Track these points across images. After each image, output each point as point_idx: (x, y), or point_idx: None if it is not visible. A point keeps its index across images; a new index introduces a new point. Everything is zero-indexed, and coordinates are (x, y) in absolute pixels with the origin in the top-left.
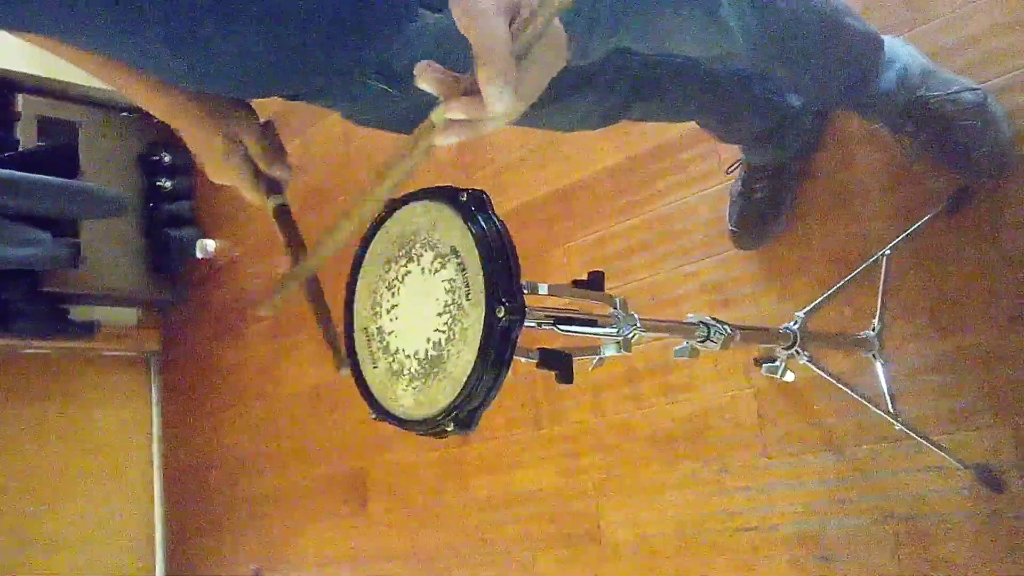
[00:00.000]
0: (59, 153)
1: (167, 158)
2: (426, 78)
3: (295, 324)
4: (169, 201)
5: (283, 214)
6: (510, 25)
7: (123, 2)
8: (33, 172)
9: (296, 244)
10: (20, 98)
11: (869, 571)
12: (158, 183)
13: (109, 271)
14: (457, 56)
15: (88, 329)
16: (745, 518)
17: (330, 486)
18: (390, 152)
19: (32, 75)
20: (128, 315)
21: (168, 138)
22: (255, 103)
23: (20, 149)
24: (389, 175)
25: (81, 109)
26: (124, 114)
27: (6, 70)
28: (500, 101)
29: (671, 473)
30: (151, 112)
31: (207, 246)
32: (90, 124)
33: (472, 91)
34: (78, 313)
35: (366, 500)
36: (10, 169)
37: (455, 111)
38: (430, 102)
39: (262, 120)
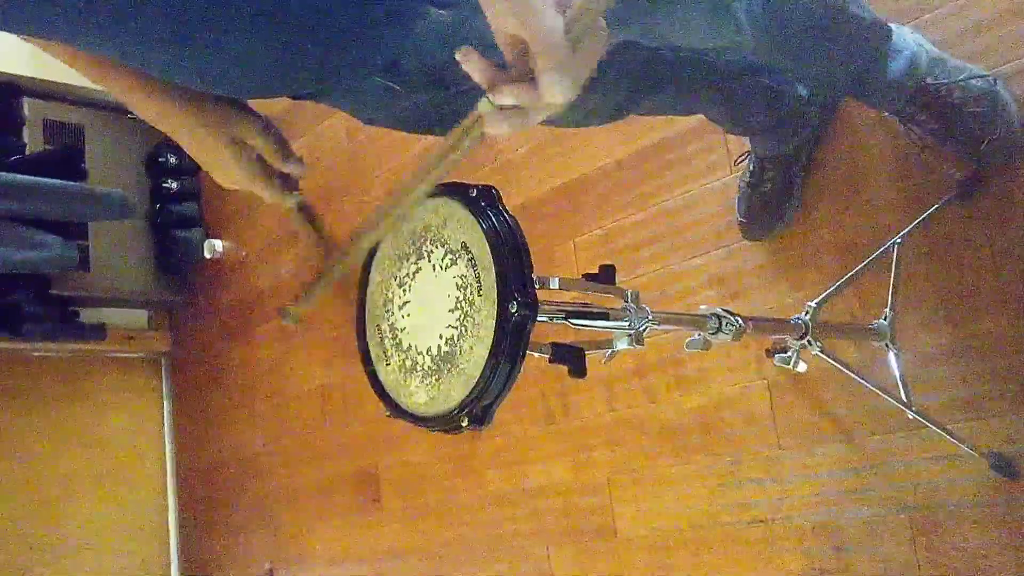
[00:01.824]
0: (65, 156)
1: (173, 159)
2: (472, 64)
3: (303, 324)
4: (176, 202)
5: (305, 210)
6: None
7: (130, 4)
8: (40, 176)
9: (323, 239)
10: (26, 102)
11: (884, 561)
12: (164, 184)
13: (118, 273)
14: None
15: (98, 331)
16: (759, 510)
17: (342, 484)
18: (433, 147)
19: (37, 79)
20: (138, 317)
21: (174, 140)
22: (260, 102)
23: (27, 153)
24: (434, 170)
25: (87, 112)
26: (130, 117)
27: (11, 74)
28: (559, 89)
29: (684, 466)
30: (154, 125)
31: (215, 246)
32: (96, 127)
33: (520, 79)
34: (88, 316)
35: (379, 497)
36: (17, 173)
37: (507, 97)
38: (435, 101)
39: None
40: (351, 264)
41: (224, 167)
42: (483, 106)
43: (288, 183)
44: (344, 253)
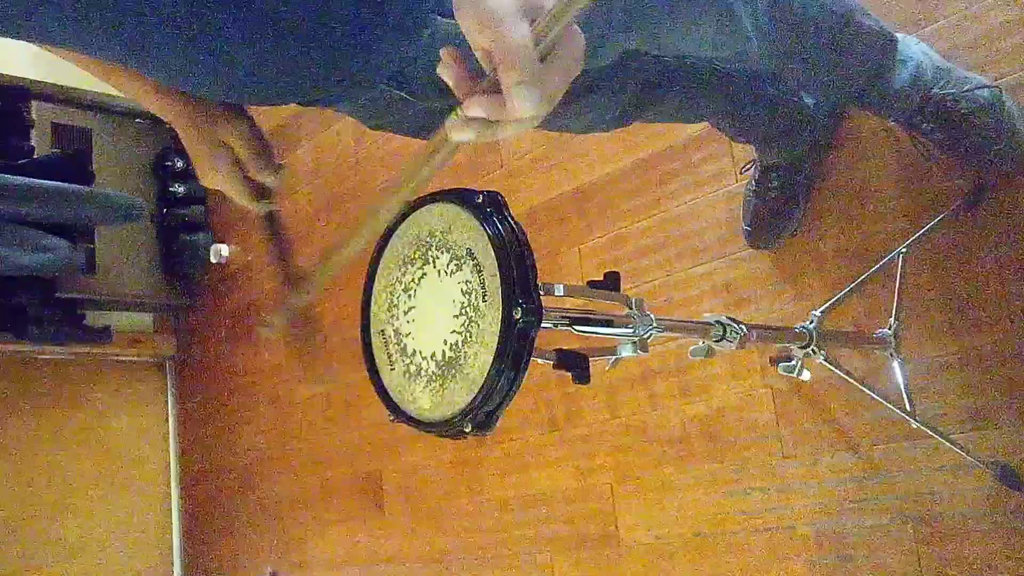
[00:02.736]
0: (73, 160)
1: (180, 163)
2: (446, 67)
3: (308, 327)
4: (182, 206)
5: (271, 221)
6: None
7: (141, 12)
8: (47, 179)
9: (284, 253)
10: (34, 106)
11: (887, 571)
12: (171, 188)
13: (124, 276)
14: (470, 61)
15: (104, 334)
16: (762, 518)
17: (345, 489)
18: (406, 160)
19: (45, 83)
20: (144, 320)
21: (180, 144)
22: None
23: (34, 156)
24: (407, 185)
25: (94, 116)
26: (137, 120)
27: (20, 78)
28: (527, 105)
29: (687, 473)
30: (156, 115)
31: (221, 251)
32: (103, 130)
33: (492, 91)
34: (93, 318)
35: (381, 503)
36: (25, 176)
37: (474, 108)
38: (443, 108)
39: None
40: (322, 282)
41: (202, 165)
42: (451, 118)
43: (263, 192)
44: (320, 267)
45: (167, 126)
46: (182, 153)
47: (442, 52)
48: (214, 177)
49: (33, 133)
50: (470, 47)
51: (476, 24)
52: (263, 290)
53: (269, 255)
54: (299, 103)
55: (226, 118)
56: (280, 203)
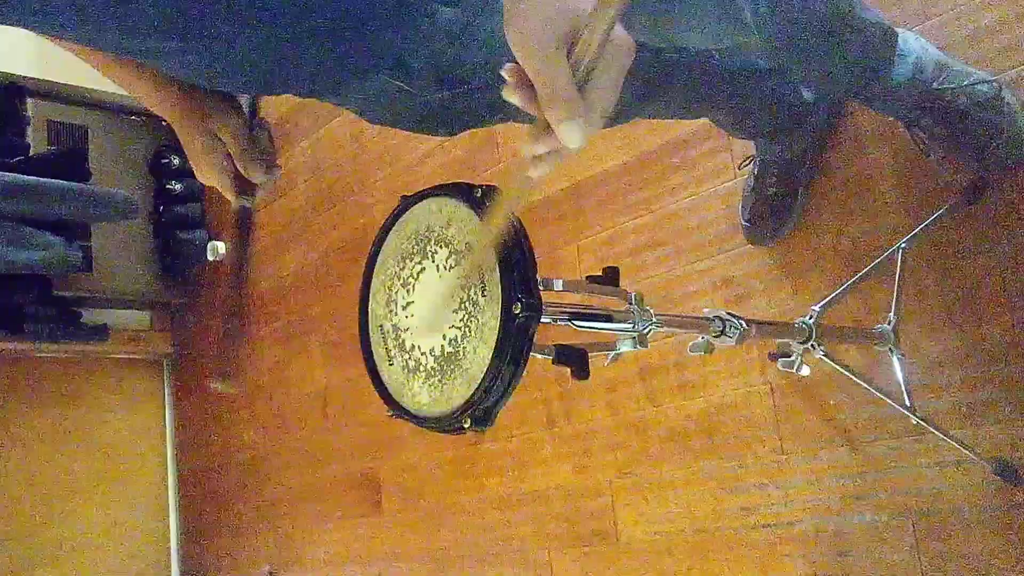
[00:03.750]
0: (69, 157)
1: (176, 161)
2: (513, 92)
3: (305, 326)
4: (179, 203)
5: (242, 218)
6: (569, 54)
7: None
8: (43, 176)
9: (243, 255)
10: (30, 103)
11: (887, 566)
12: (168, 186)
13: (120, 274)
14: (472, 52)
15: (100, 332)
16: (761, 515)
17: (343, 487)
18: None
19: (41, 80)
20: (140, 318)
21: (177, 141)
22: (269, 100)
23: (30, 154)
24: (499, 211)
25: (90, 113)
26: (133, 118)
27: (15, 75)
28: (573, 137)
29: (686, 470)
30: (153, 110)
31: (218, 248)
32: (99, 128)
33: (544, 129)
34: (90, 316)
35: (379, 500)
36: (21, 174)
37: (536, 149)
38: (443, 100)
39: (257, 121)
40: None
41: (195, 158)
42: (522, 152)
43: (248, 188)
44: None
45: (163, 123)
46: (178, 150)
47: (505, 72)
48: (205, 171)
49: (29, 130)
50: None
51: (520, 52)
52: (260, 288)
53: (231, 254)
54: (297, 94)
55: (220, 113)
56: (271, 201)
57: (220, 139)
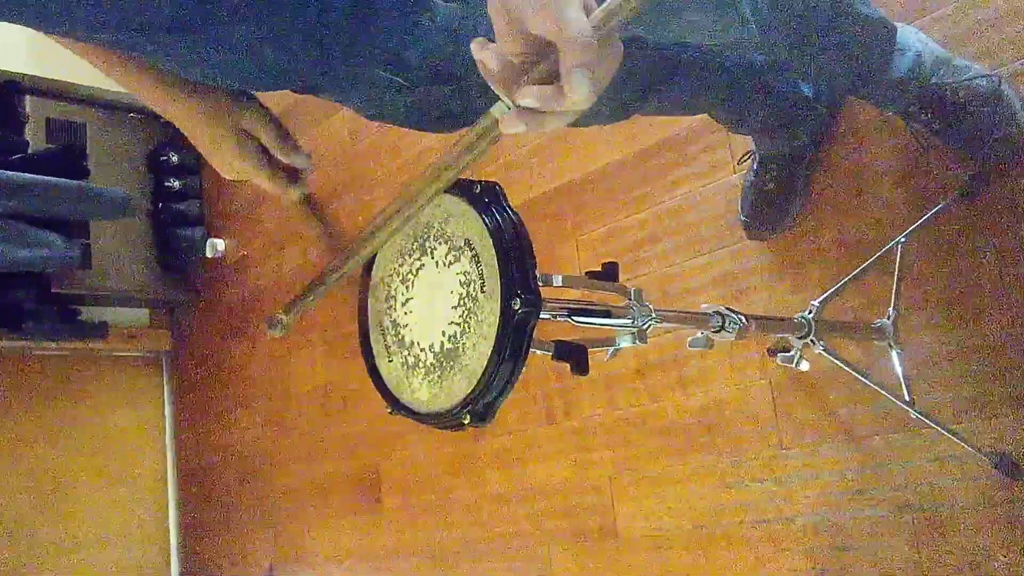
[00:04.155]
0: (67, 155)
1: (175, 158)
2: (486, 58)
3: (305, 321)
4: (178, 201)
5: (311, 204)
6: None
7: None
8: (42, 174)
9: (330, 233)
10: (28, 100)
11: (886, 561)
12: (166, 183)
13: (119, 272)
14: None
15: (99, 330)
16: (761, 510)
17: (343, 483)
18: (444, 150)
19: (39, 77)
20: (139, 316)
21: (175, 138)
22: (265, 98)
23: (29, 151)
24: (446, 172)
25: (89, 111)
26: (132, 115)
27: (13, 72)
28: (583, 89)
29: (686, 466)
30: (160, 114)
31: (217, 245)
32: (98, 125)
33: (543, 81)
34: (89, 314)
35: (379, 497)
36: (19, 171)
37: (528, 97)
38: (441, 96)
39: (268, 110)
40: (351, 270)
41: (226, 157)
42: (498, 109)
43: (292, 176)
44: (345, 258)
45: (162, 121)
46: (177, 148)
47: (474, 45)
48: (239, 167)
49: (27, 128)
50: (477, 33)
51: (538, 9)
52: (259, 285)
53: (316, 236)
54: (294, 89)
55: (244, 105)
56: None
57: (251, 135)
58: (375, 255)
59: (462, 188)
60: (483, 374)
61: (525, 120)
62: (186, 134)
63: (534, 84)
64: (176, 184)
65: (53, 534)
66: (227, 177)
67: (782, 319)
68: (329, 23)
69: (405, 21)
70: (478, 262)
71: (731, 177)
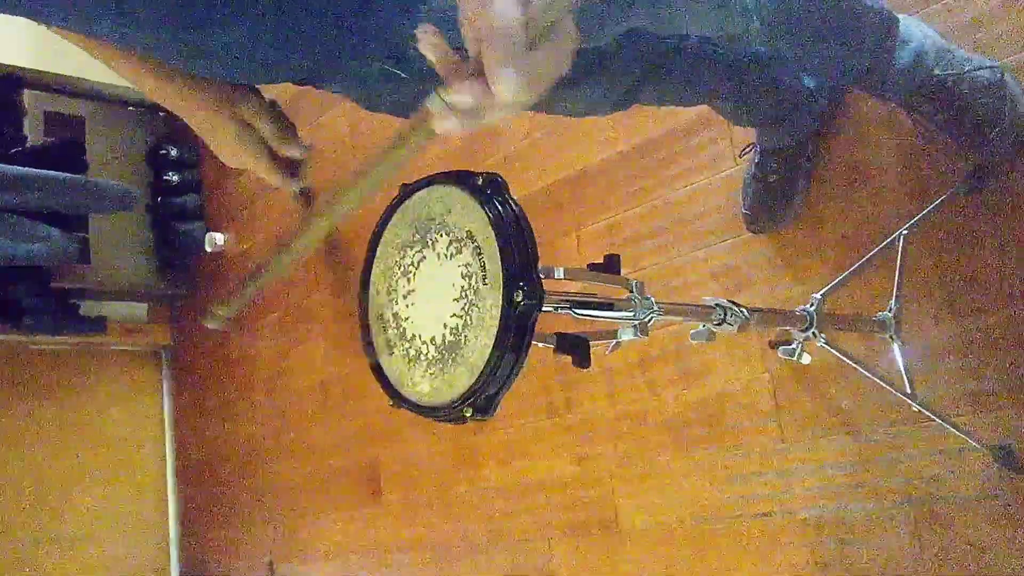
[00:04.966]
0: (66, 148)
1: (174, 152)
2: (428, 44)
3: (304, 315)
4: (177, 195)
5: (307, 198)
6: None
7: None
8: (41, 168)
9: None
10: (27, 94)
11: (888, 554)
12: (165, 177)
13: (118, 266)
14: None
15: (98, 324)
16: (762, 503)
17: (343, 477)
18: (379, 144)
19: (38, 71)
20: (138, 310)
21: (175, 132)
22: (265, 89)
23: (27, 145)
24: (376, 168)
25: (88, 104)
26: (131, 108)
27: (12, 66)
28: (508, 88)
29: (687, 459)
30: (161, 104)
31: (216, 239)
32: (97, 119)
33: (477, 75)
34: (88, 308)
35: (379, 491)
36: (18, 165)
37: (458, 94)
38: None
39: (268, 100)
40: (278, 270)
41: (227, 144)
42: (433, 102)
43: (292, 168)
44: (275, 254)
45: (161, 115)
46: (176, 141)
47: (419, 31)
48: (240, 156)
49: (26, 122)
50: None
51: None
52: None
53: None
54: (294, 81)
55: (246, 96)
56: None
57: (251, 125)
58: (377, 241)
59: (464, 179)
60: (485, 367)
61: (458, 116)
62: (190, 123)
63: (468, 78)
64: (175, 178)
65: (53, 528)
66: (229, 164)
67: (784, 312)
68: (326, 16)
69: (403, 13)
70: (480, 254)
71: (732, 170)
